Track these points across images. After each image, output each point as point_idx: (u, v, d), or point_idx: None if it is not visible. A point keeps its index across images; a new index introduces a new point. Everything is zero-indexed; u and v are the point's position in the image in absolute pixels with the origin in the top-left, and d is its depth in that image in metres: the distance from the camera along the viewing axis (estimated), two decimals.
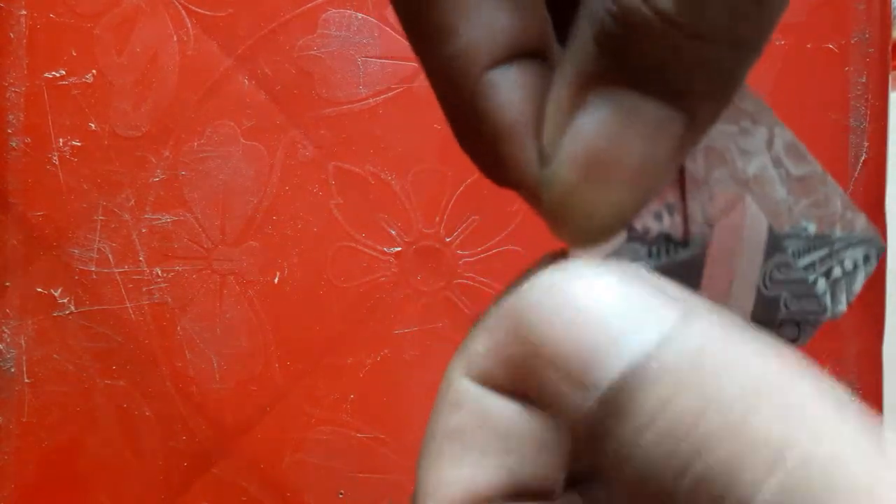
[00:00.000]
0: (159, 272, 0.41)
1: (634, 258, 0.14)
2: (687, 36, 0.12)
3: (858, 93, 0.42)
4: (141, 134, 0.42)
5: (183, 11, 0.42)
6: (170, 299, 0.41)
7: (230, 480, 0.41)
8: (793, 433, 0.10)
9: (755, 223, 0.15)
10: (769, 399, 0.10)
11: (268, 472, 0.41)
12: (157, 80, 0.42)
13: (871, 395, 0.42)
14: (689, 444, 0.10)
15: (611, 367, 0.11)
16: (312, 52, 0.42)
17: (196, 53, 0.42)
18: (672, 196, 0.14)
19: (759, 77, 0.41)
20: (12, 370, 0.41)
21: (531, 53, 0.14)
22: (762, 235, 0.15)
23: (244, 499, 0.41)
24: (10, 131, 0.41)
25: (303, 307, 0.41)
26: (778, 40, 0.42)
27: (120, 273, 0.41)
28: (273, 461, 0.41)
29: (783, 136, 0.15)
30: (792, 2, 0.42)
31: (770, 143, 0.15)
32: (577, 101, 0.13)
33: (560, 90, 0.13)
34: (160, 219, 0.41)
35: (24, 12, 0.42)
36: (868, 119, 0.41)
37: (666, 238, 0.14)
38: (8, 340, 0.41)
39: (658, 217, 0.14)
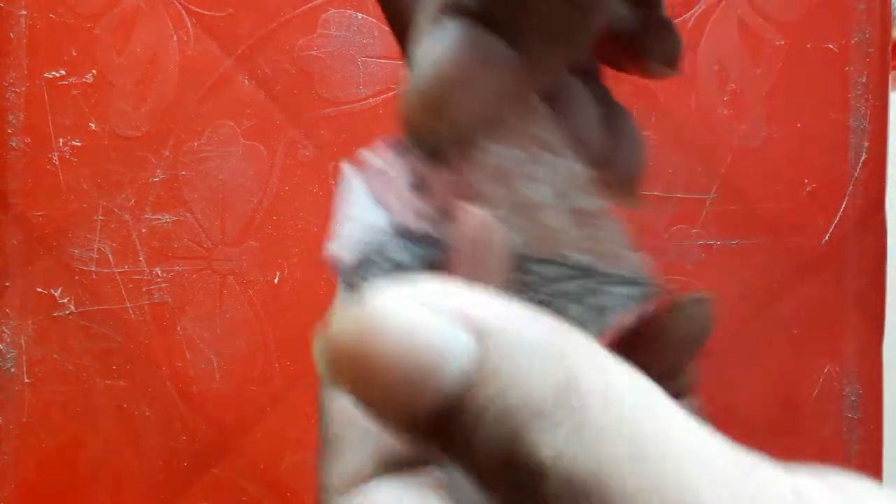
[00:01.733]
0: (159, 272, 0.41)
1: (399, 253, 0.15)
2: None
3: (858, 93, 0.42)
4: (141, 134, 0.42)
5: (183, 11, 0.42)
6: (170, 299, 0.41)
7: (230, 480, 0.41)
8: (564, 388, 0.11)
9: (493, 241, 0.16)
10: (549, 365, 0.11)
11: (268, 471, 0.41)
12: (157, 80, 0.42)
13: (871, 394, 0.42)
14: (505, 429, 0.11)
15: (432, 395, 0.11)
16: (312, 52, 0.42)
17: (196, 53, 0.42)
18: (447, 202, 0.15)
19: (759, 77, 0.41)
20: (12, 370, 0.41)
21: None
22: (500, 255, 0.16)
23: (244, 499, 0.41)
24: (10, 131, 0.41)
25: (303, 307, 0.41)
26: (778, 40, 0.42)
27: (120, 273, 0.41)
28: (273, 461, 0.41)
29: (574, 169, 0.16)
30: (792, 2, 0.42)
31: (558, 174, 0.16)
32: (439, 21, 0.15)
33: (427, 7, 0.15)
34: (160, 219, 0.41)
35: (24, 12, 0.42)
36: (868, 119, 0.41)
37: (425, 238, 0.15)
38: (8, 340, 0.41)
39: (425, 217, 0.15)
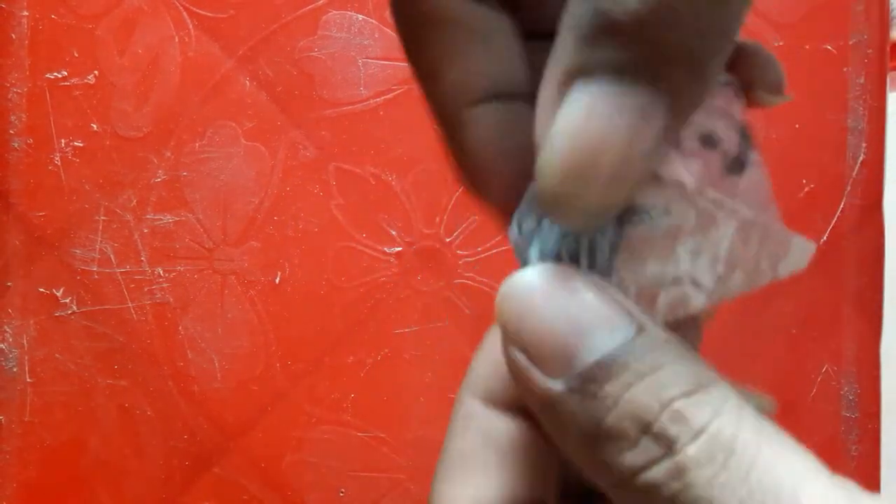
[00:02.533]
0: (161, 272, 0.41)
1: (551, 237, 0.16)
2: (661, 28, 0.12)
3: (857, 93, 0.42)
4: (142, 135, 0.42)
5: (184, 13, 0.42)
6: (171, 299, 0.41)
7: (231, 479, 0.41)
8: (704, 420, 0.14)
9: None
10: (694, 395, 0.14)
11: (268, 471, 0.41)
12: (158, 81, 0.42)
13: (870, 394, 0.42)
14: (639, 421, 0.14)
15: (581, 360, 0.14)
16: (313, 54, 0.42)
17: (197, 54, 0.42)
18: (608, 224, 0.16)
19: None
20: (14, 370, 0.41)
21: (508, 95, 0.16)
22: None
23: (245, 498, 0.41)
24: (12, 132, 0.42)
25: (303, 307, 0.41)
26: (776, 41, 0.42)
27: (122, 273, 0.41)
28: (274, 460, 0.41)
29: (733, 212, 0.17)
30: (790, 3, 0.42)
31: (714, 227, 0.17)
32: (565, 92, 0.13)
33: (547, 89, 0.14)
34: (162, 219, 0.42)
35: (25, 13, 0.42)
36: (866, 120, 0.42)
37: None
38: (10, 340, 0.41)
39: None
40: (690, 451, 0.13)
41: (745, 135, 0.16)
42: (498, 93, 0.16)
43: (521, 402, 0.17)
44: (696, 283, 0.16)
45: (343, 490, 0.41)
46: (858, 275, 0.42)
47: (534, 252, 0.16)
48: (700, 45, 0.13)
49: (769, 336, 0.42)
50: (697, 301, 0.16)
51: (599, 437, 0.14)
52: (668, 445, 0.13)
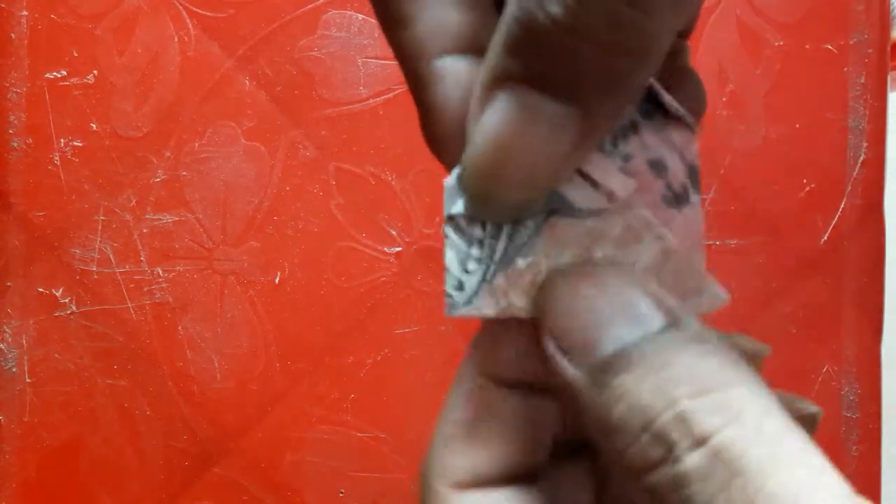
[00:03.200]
0: (160, 272, 0.41)
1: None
2: (575, 40, 0.13)
3: (857, 93, 0.42)
4: (142, 134, 0.42)
5: (184, 12, 0.42)
6: (171, 299, 0.41)
7: (231, 480, 0.41)
8: (715, 425, 0.13)
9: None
10: (705, 397, 0.13)
11: (268, 471, 0.41)
12: (158, 80, 0.42)
13: (870, 394, 0.42)
14: (642, 417, 0.13)
15: (600, 350, 0.14)
16: (313, 53, 0.42)
17: (197, 54, 0.42)
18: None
19: (759, 77, 0.42)
20: (14, 370, 0.41)
21: (479, 50, 0.16)
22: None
23: (245, 498, 0.41)
24: (11, 132, 0.42)
25: (303, 307, 0.41)
26: (777, 41, 0.42)
27: (121, 273, 0.41)
28: (274, 461, 0.41)
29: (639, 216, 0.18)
30: (790, 2, 0.42)
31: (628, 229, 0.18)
32: (489, 97, 0.15)
33: (476, 87, 0.15)
34: (161, 219, 0.41)
35: (25, 13, 0.42)
36: (867, 119, 0.42)
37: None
38: (9, 340, 0.41)
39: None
40: (690, 462, 0.13)
41: (692, 175, 0.17)
42: (468, 47, 0.16)
43: (521, 378, 0.17)
44: None
45: (343, 490, 0.41)
46: (859, 274, 0.42)
47: (456, 208, 0.17)
48: (616, 63, 0.14)
49: (769, 336, 0.41)
50: None
51: (609, 428, 0.14)
52: (669, 449, 0.13)
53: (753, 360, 0.19)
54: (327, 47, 0.42)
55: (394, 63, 0.42)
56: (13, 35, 0.42)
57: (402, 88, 0.42)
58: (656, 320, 0.14)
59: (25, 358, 0.41)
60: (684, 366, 0.14)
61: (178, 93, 0.42)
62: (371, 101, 0.42)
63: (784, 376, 0.42)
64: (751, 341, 0.19)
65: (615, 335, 0.14)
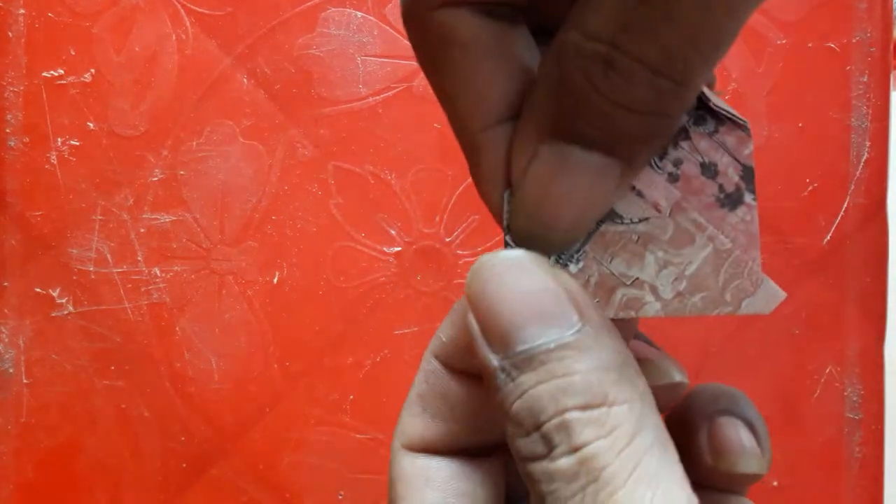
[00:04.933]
0: (158, 272, 0.41)
1: None
2: (619, 109, 0.14)
3: (860, 92, 0.41)
4: (139, 133, 0.41)
5: (182, 10, 0.42)
6: (168, 299, 0.41)
7: (229, 481, 0.41)
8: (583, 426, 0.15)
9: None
10: (590, 411, 0.15)
11: (267, 472, 0.41)
12: (155, 79, 0.41)
13: (873, 395, 0.41)
14: (534, 418, 0.15)
15: (515, 345, 0.16)
16: (312, 51, 0.42)
17: (195, 52, 0.42)
18: None
19: (761, 76, 0.41)
20: (11, 370, 0.41)
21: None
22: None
23: (243, 499, 0.41)
24: (8, 130, 0.41)
25: (302, 307, 0.41)
26: (779, 39, 0.41)
27: (118, 273, 0.41)
28: (272, 462, 0.41)
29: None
30: (793, 1, 0.42)
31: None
32: (534, 150, 0.16)
33: (520, 140, 0.16)
34: (159, 218, 0.41)
35: (22, 11, 0.41)
36: (870, 118, 0.41)
37: None
38: (6, 341, 0.41)
39: None
40: (561, 464, 0.15)
41: (746, 175, 0.18)
42: (511, 114, 0.17)
43: (467, 368, 0.19)
44: (655, 292, 0.17)
45: (342, 492, 0.40)
46: (862, 274, 0.41)
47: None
48: (656, 124, 0.15)
49: (772, 337, 0.41)
50: (652, 308, 0.18)
51: (507, 417, 0.16)
52: (549, 449, 0.15)
53: (674, 390, 0.20)
54: (326, 45, 0.42)
55: (393, 61, 0.42)
56: (10, 33, 0.41)
57: (401, 86, 0.42)
58: (569, 325, 0.16)
59: (22, 358, 0.41)
60: (580, 376, 0.15)
61: (175, 91, 0.41)
62: (370, 99, 0.41)
63: (787, 377, 0.41)
64: (675, 368, 0.21)
65: (528, 335, 0.15)
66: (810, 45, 0.41)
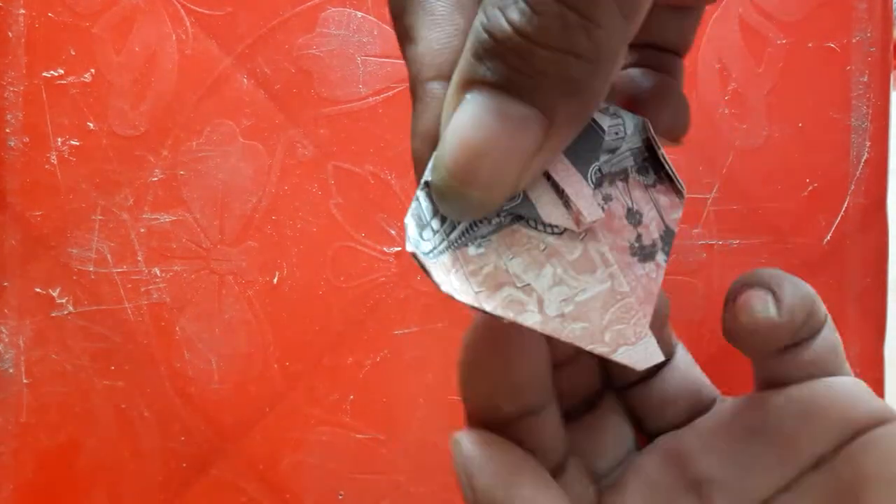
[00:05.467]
0: (158, 272, 0.41)
1: None
2: (532, 44, 0.14)
3: (860, 92, 0.41)
4: (139, 133, 0.41)
5: (182, 10, 0.42)
6: (168, 299, 0.41)
7: (229, 481, 0.41)
8: None
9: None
10: None
11: (267, 472, 0.41)
12: (155, 79, 0.41)
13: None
14: None
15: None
16: (312, 51, 0.42)
17: (195, 52, 0.42)
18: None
19: (761, 76, 0.41)
20: (11, 370, 0.41)
21: None
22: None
23: (243, 500, 0.41)
24: (8, 130, 0.41)
25: (302, 307, 0.41)
26: (779, 39, 0.41)
27: (118, 273, 0.41)
28: (272, 462, 0.41)
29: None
30: (793, 1, 0.41)
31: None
32: (458, 100, 0.16)
33: (449, 91, 0.16)
34: (159, 218, 0.41)
35: (22, 11, 0.41)
36: (870, 118, 0.41)
37: None
38: (6, 341, 0.41)
39: None
40: None
41: (666, 238, 0.18)
42: None
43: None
44: (540, 304, 0.17)
45: (342, 492, 0.40)
46: (862, 275, 0.41)
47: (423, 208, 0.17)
48: (571, 67, 0.15)
49: None
50: (531, 318, 0.17)
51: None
52: None
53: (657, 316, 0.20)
54: (326, 45, 0.42)
55: (393, 61, 0.42)
56: (10, 33, 0.41)
57: (401, 86, 0.42)
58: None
59: (22, 358, 0.41)
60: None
61: (175, 91, 0.41)
62: (370, 99, 0.41)
63: None
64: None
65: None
66: (810, 45, 0.41)
